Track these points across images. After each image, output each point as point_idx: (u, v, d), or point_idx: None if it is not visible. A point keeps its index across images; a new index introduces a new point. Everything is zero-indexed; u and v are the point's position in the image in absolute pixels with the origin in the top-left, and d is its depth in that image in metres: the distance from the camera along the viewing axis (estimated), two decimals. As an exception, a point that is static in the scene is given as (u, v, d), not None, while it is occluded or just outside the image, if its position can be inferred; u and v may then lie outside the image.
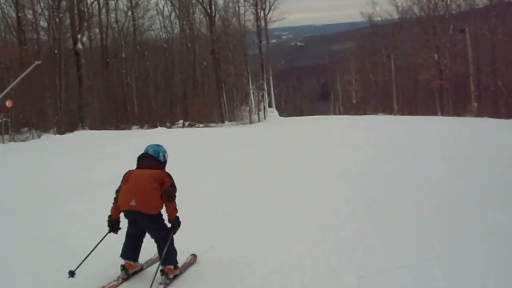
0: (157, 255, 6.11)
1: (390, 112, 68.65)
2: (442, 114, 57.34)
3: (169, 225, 5.87)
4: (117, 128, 35.45)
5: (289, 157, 16.10)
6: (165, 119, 40.92)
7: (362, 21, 75.27)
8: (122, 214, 5.93)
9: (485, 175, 11.91)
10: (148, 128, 35.64)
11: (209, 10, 49.54)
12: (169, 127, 36.31)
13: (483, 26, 53.76)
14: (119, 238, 6.07)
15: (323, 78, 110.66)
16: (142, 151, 6.11)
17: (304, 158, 15.82)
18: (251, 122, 38.16)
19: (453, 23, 57.38)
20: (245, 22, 49.62)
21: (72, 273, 5.61)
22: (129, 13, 47.96)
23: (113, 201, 5.96)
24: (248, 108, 41.05)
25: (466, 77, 53.08)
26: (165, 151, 6.19)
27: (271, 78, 51.13)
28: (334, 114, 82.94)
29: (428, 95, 62.32)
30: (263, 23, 49.97)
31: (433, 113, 60.02)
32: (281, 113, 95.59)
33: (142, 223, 5.80)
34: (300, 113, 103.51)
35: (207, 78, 53.40)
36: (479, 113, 52.39)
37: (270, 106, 45.33)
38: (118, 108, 42.40)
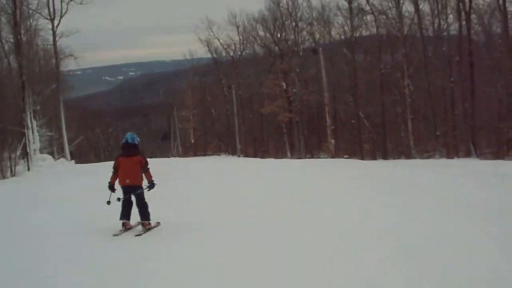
0: (139, 223, 9.57)
1: (233, 152, 56.80)
2: (293, 154, 45.84)
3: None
4: None
5: None
6: None
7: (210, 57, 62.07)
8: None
9: None
10: None
11: None
12: None
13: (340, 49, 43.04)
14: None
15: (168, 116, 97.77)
16: (125, 138, 9.79)
17: None
18: (3, 177, 23.27)
19: (304, 45, 46.50)
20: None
21: (109, 202, 9.43)
22: None
23: (111, 173, 9.68)
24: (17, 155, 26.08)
25: (321, 109, 41.64)
26: (137, 136, 9.79)
27: (62, 113, 36.76)
28: (173, 156, 69.83)
29: (277, 131, 50.60)
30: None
31: (283, 152, 48.45)
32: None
33: (132, 190, 9.47)
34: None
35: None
36: (337, 152, 41.16)
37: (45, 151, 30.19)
38: None
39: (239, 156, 51.99)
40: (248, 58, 55.36)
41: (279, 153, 49.26)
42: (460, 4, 31.45)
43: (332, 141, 38.15)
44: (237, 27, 52.71)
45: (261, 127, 53.20)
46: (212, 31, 55.54)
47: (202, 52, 61.99)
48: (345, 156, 41.11)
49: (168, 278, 6.56)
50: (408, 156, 33.77)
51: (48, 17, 36.44)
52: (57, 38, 37.00)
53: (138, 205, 9.55)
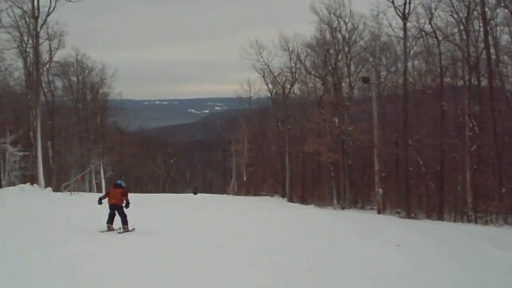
0: (121, 228, 14.50)
1: (283, 194, 49.60)
2: (339, 203, 38.08)
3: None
4: None
5: None
6: None
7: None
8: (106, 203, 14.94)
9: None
10: None
11: None
12: None
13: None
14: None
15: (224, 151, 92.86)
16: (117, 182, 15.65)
17: None
18: None
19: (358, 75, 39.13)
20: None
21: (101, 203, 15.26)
22: None
23: (102, 195, 15.42)
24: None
25: (371, 150, 33.89)
26: (123, 181, 15.75)
27: (39, 131, 32.70)
28: (227, 193, 63.51)
29: (326, 174, 42.90)
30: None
31: (329, 199, 40.66)
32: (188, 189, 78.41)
33: (116, 208, 14.54)
34: (210, 189, 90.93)
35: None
36: (386, 205, 33.24)
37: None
38: None
39: (287, 200, 45.09)
40: (301, 91, 48.66)
41: (326, 200, 41.68)
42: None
43: (380, 190, 30.38)
44: (290, 53, 45.72)
45: (310, 169, 45.71)
46: (261, 57, 49.06)
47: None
48: (396, 211, 33.02)
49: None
50: (469, 218, 25.43)
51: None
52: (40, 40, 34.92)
53: (120, 216, 14.72)
